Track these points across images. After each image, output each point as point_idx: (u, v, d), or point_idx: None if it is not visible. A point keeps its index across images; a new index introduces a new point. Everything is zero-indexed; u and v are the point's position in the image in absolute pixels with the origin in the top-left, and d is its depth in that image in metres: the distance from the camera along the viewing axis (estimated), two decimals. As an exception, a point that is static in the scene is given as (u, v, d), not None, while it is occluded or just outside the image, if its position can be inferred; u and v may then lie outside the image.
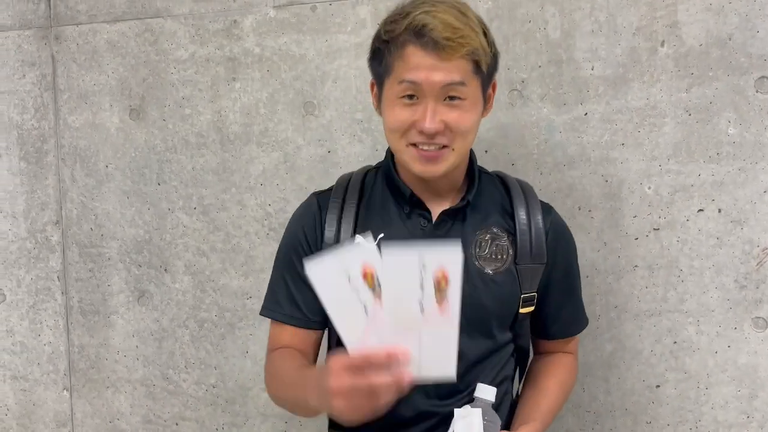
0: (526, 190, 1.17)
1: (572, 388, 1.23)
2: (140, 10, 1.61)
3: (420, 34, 0.98)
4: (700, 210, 1.38)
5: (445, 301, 0.84)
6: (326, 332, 1.18)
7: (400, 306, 0.85)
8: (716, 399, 1.40)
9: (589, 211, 1.42)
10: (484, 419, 0.99)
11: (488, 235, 1.11)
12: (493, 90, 1.11)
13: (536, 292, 1.13)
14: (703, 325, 1.39)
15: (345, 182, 1.16)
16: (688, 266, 1.39)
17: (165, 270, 1.64)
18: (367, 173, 1.18)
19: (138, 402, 1.69)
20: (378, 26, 1.07)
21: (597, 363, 1.44)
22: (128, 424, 1.69)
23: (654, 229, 1.40)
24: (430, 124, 1.00)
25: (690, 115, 1.37)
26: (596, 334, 1.44)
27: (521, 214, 1.12)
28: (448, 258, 0.84)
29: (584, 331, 1.42)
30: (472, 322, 1.06)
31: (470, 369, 1.08)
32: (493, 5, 1.43)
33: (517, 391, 1.22)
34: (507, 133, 1.45)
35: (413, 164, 1.05)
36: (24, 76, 1.69)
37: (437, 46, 0.97)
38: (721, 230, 1.37)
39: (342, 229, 1.10)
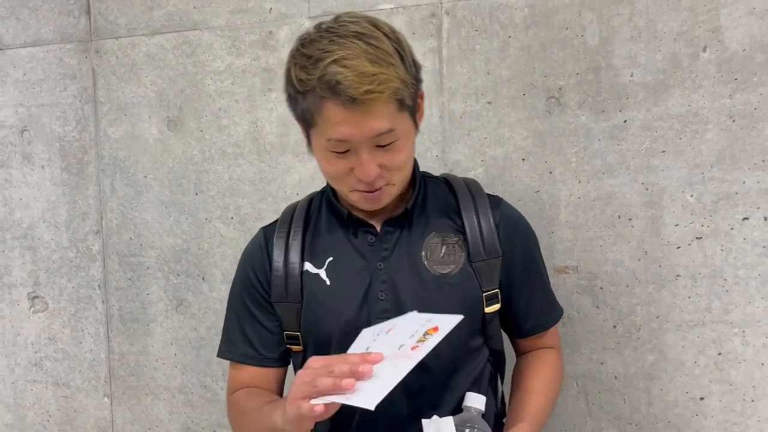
0: (472, 188, 1.14)
1: (560, 383, 1.18)
2: (178, 23, 1.63)
3: (335, 92, 0.91)
4: (745, 218, 1.35)
5: (420, 348, 0.86)
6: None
7: (388, 344, 0.90)
8: (763, 412, 1.36)
9: (629, 219, 1.40)
10: (474, 428, 0.97)
11: (438, 239, 1.09)
12: (421, 99, 1.06)
13: (498, 288, 1.10)
14: (749, 336, 1.36)
15: (290, 212, 1.16)
16: (732, 276, 1.36)
17: (203, 279, 1.66)
18: (312, 199, 1.18)
19: (176, 409, 1.71)
20: (289, 64, 1.00)
21: (638, 374, 1.42)
22: (167, 432, 1.72)
23: (697, 237, 1.37)
24: (369, 174, 0.98)
25: (734, 121, 1.34)
26: (637, 344, 1.41)
27: (469, 212, 1.10)
28: (447, 320, 0.89)
29: (624, 341, 1.41)
30: None
31: (443, 380, 1.06)
32: (530, 12, 1.42)
33: (501, 397, 1.20)
34: (544, 141, 1.43)
35: (359, 204, 1.06)
36: (65, 89, 1.73)
37: (356, 102, 0.91)
38: None
39: (290, 258, 1.10)
